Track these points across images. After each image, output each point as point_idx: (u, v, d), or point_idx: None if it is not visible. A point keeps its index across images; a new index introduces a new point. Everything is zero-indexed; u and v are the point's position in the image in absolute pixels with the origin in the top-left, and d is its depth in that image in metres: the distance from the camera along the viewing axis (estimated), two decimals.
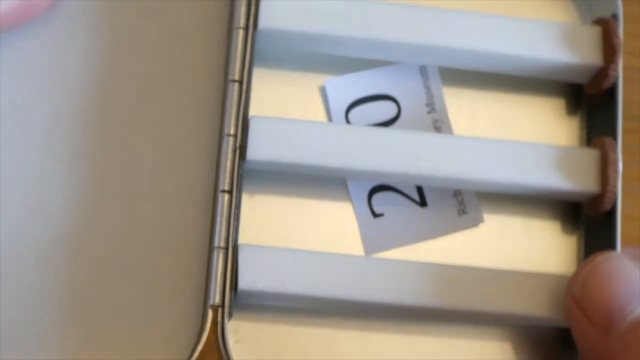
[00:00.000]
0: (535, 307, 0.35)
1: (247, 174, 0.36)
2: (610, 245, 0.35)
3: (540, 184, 0.35)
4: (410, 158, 0.35)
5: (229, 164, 0.34)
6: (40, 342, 0.33)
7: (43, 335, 0.33)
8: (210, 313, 0.33)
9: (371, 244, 0.36)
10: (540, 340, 0.36)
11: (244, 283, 0.33)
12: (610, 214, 0.35)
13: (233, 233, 0.33)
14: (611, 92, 0.36)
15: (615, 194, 0.35)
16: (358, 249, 0.36)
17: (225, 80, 0.35)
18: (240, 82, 0.34)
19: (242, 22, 0.35)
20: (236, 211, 0.33)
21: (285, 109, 0.37)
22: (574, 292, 0.33)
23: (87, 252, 0.34)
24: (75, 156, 0.34)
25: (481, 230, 0.37)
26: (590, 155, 0.35)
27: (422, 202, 0.37)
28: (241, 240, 0.35)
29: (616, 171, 0.35)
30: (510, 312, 0.34)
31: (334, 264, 0.34)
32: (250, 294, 0.33)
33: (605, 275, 0.32)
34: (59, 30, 0.35)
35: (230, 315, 0.34)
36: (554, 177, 0.35)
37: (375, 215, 0.36)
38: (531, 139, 0.37)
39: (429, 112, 0.37)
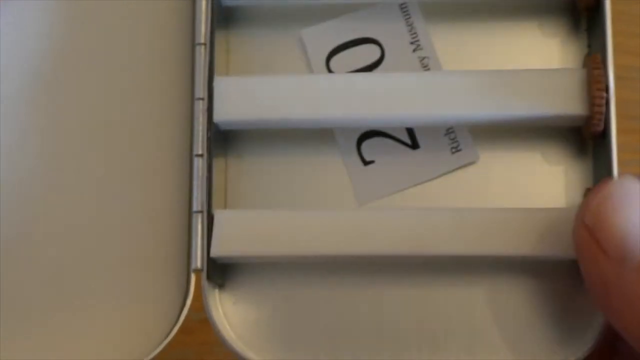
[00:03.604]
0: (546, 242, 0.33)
1: (233, 136, 0.36)
2: (607, 168, 0.32)
3: (527, 110, 0.33)
4: (389, 100, 0.34)
5: (201, 127, 0.34)
6: (25, 316, 0.34)
7: (28, 310, 0.34)
8: (193, 277, 0.33)
9: (363, 193, 0.35)
10: (552, 280, 0.34)
11: (215, 251, 0.33)
12: (605, 134, 0.33)
13: (206, 196, 0.33)
14: (598, 6, 0.33)
15: (602, 113, 0.32)
16: (351, 200, 0.35)
17: (193, 44, 0.35)
18: (206, 45, 0.34)
19: None
20: (208, 174, 0.33)
21: (267, 66, 0.36)
22: (587, 220, 0.30)
23: (66, 225, 0.35)
24: (48, 130, 0.35)
25: (478, 168, 0.35)
26: (579, 75, 0.33)
27: (414, 145, 0.35)
28: (231, 202, 0.35)
29: (602, 89, 0.32)
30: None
31: (317, 221, 0.33)
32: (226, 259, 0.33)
33: (621, 201, 0.29)
34: (25, 5, 0.36)
35: (217, 278, 0.34)
36: (540, 102, 0.33)
37: (365, 163, 0.35)
38: (529, 67, 0.35)
39: (414, 51, 0.36)
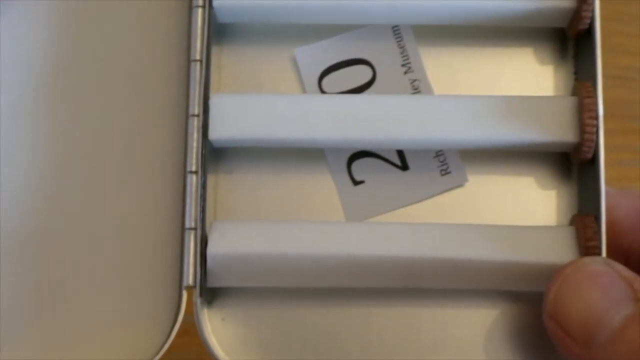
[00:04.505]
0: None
1: (224, 153, 0.36)
2: (595, 194, 0.33)
3: (517, 136, 0.34)
4: (379, 122, 0.34)
5: (195, 144, 0.34)
6: (24, 323, 0.34)
7: (27, 317, 0.34)
8: (185, 294, 0.33)
9: (353, 213, 0.36)
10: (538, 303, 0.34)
11: (212, 283, 0.33)
12: (594, 161, 0.33)
13: (200, 213, 0.33)
14: (589, 34, 0.34)
15: (592, 141, 0.33)
16: (341, 218, 0.36)
17: (188, 60, 0.35)
18: (202, 62, 0.34)
19: (200, 1, 0.35)
20: (202, 191, 0.33)
21: (259, 84, 0.36)
22: (548, 309, 0.31)
23: (60, 238, 0.34)
24: (43, 141, 0.35)
25: (467, 191, 0.36)
26: (569, 103, 0.34)
27: (404, 166, 0.36)
28: (220, 218, 0.35)
29: (593, 117, 0.33)
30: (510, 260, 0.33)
31: (310, 228, 0.34)
32: (219, 261, 0.33)
33: (577, 286, 0.30)
34: (20, 12, 0.36)
35: (207, 295, 0.34)
36: (531, 129, 0.34)
37: (355, 183, 0.36)
38: (518, 91, 0.36)
39: (405, 73, 0.36)
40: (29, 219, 0.34)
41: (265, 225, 0.34)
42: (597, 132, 0.33)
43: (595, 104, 0.33)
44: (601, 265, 0.31)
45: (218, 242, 0.33)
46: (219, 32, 0.36)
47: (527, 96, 0.34)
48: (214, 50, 0.35)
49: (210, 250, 0.33)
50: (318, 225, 0.34)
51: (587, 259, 0.31)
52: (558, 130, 0.33)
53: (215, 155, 0.35)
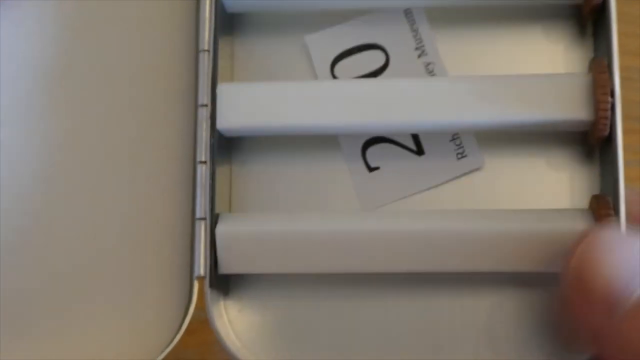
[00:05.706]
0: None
1: (236, 143, 0.36)
2: (614, 173, 0.32)
3: (532, 115, 0.33)
4: (393, 106, 0.34)
5: (204, 134, 0.34)
6: (29, 319, 0.34)
7: (32, 313, 0.34)
8: (196, 284, 0.33)
9: (368, 199, 0.35)
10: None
11: (222, 265, 0.33)
12: (610, 139, 0.32)
13: (209, 203, 0.33)
14: (604, 9, 0.33)
15: (607, 118, 0.32)
16: (355, 206, 0.35)
17: (196, 51, 0.35)
18: (210, 52, 0.34)
19: None
20: (211, 181, 0.33)
21: (272, 74, 0.36)
22: (570, 274, 0.30)
23: (67, 229, 0.35)
24: (50, 136, 0.35)
25: (484, 174, 0.35)
26: (584, 80, 0.33)
27: (419, 151, 0.35)
28: (235, 209, 0.35)
29: (607, 93, 0.32)
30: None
31: (323, 238, 0.33)
32: (229, 242, 0.33)
33: (602, 252, 0.30)
34: (27, 8, 0.36)
35: (222, 286, 0.34)
36: (546, 107, 0.33)
37: (370, 169, 0.35)
38: (533, 72, 0.35)
39: (419, 56, 0.36)
40: (35, 212, 0.35)
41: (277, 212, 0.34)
42: (612, 109, 0.32)
43: (610, 79, 0.32)
44: (626, 234, 0.30)
45: (228, 223, 0.33)
46: (231, 23, 0.36)
47: (541, 74, 0.33)
48: (227, 41, 0.35)
49: (220, 230, 0.33)
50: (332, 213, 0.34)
51: (612, 227, 0.31)
52: (572, 108, 0.32)
53: (228, 146, 0.35)
